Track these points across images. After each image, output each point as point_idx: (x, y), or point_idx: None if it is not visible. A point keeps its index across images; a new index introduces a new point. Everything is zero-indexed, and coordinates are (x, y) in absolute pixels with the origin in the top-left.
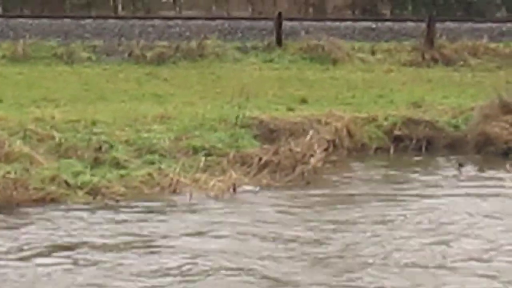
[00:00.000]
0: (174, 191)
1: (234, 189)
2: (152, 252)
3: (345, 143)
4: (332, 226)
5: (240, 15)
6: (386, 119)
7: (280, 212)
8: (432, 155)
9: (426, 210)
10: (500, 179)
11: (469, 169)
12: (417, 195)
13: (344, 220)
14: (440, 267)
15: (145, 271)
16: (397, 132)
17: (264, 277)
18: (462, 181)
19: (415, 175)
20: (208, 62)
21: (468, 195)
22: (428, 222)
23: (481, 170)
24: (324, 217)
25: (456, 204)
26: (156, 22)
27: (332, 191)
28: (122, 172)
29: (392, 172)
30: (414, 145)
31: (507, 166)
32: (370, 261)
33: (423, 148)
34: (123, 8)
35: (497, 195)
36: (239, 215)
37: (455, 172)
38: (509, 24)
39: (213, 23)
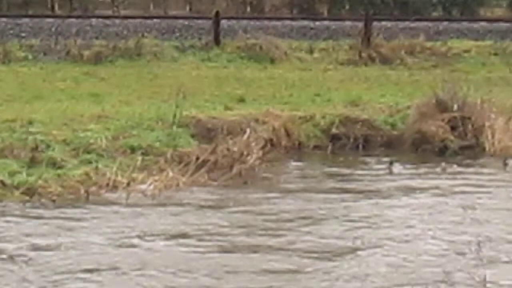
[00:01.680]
0: (111, 191)
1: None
2: None
3: (283, 142)
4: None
5: (178, 14)
6: (323, 117)
7: (211, 210)
8: (369, 154)
9: (359, 206)
10: (434, 177)
11: (405, 167)
12: (352, 193)
13: (275, 219)
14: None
15: None
16: (334, 131)
17: None
18: (395, 178)
19: (351, 173)
20: (146, 61)
21: (400, 191)
22: (358, 217)
23: (416, 168)
24: (253, 215)
25: (388, 200)
26: (94, 21)
27: (269, 189)
28: (59, 171)
29: (329, 170)
30: (352, 143)
31: (442, 164)
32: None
33: (360, 147)
34: (60, 7)
35: (428, 191)
36: (165, 215)
37: (389, 170)
38: (445, 23)
39: (150, 22)
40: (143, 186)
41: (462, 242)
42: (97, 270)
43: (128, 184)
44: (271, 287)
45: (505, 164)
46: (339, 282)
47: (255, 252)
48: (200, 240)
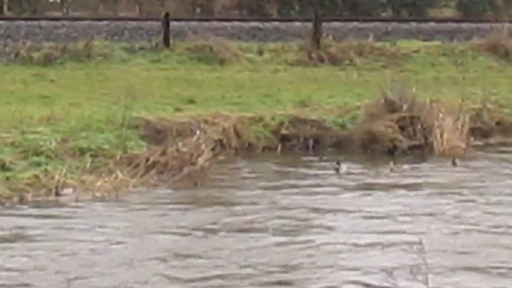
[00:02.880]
0: (59, 193)
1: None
2: None
3: (233, 143)
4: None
5: (127, 15)
6: (273, 118)
7: (159, 211)
8: (318, 154)
9: (306, 207)
10: (381, 176)
11: (353, 167)
12: (300, 193)
13: (224, 222)
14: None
15: None
16: (284, 131)
17: None
18: (343, 178)
19: (301, 174)
20: (96, 63)
21: (348, 191)
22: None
23: (364, 167)
24: (201, 217)
25: (336, 200)
26: (43, 23)
27: (218, 191)
28: (8, 174)
29: (278, 171)
30: (301, 144)
31: (391, 164)
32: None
33: (310, 147)
34: (9, 9)
35: (374, 191)
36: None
37: (338, 170)
38: (394, 24)
39: (100, 23)
40: (93, 188)
41: (405, 242)
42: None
43: (78, 186)
44: None
45: (454, 164)
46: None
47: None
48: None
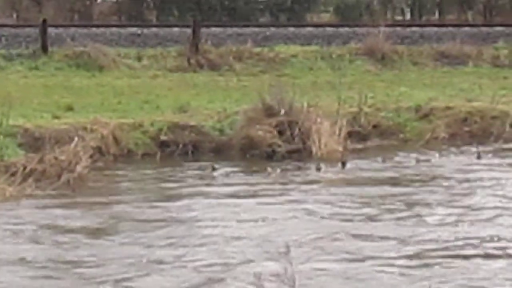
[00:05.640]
0: None
1: None
2: None
3: (112, 150)
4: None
5: (4, 22)
6: (152, 124)
7: (37, 217)
8: (198, 160)
9: (184, 211)
10: (257, 181)
11: (230, 172)
12: (178, 198)
13: (99, 228)
14: None
15: None
16: (163, 138)
17: None
18: (219, 183)
19: (178, 179)
20: None
21: (224, 196)
22: (187, 221)
23: (241, 172)
24: (77, 224)
25: (209, 204)
26: None
27: (96, 198)
28: None
29: (156, 177)
30: (180, 150)
31: (269, 169)
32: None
33: (189, 153)
34: None
35: (251, 195)
36: None
37: (215, 175)
38: (272, 29)
39: None
40: None
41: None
42: None
43: None
44: None
45: (319, 169)
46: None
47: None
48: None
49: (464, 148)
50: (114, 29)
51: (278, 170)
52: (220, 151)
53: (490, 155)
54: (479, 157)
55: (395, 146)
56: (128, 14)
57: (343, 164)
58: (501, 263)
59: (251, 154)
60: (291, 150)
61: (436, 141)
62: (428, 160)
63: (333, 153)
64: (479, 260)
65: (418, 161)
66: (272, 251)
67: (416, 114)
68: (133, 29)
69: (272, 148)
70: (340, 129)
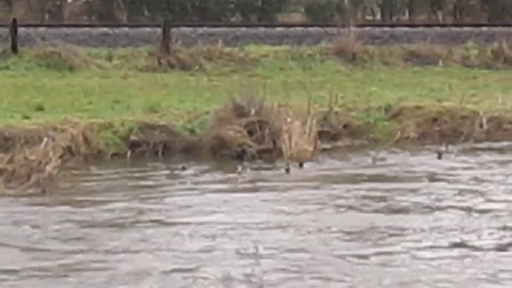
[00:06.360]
0: None
1: None
2: None
3: (82, 150)
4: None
5: None
6: (122, 124)
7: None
8: (168, 160)
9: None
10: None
11: (199, 172)
12: (147, 198)
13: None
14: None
15: None
16: (133, 138)
17: None
18: (188, 183)
19: (149, 179)
20: None
21: (193, 195)
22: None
23: (210, 172)
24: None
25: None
26: None
27: (66, 197)
28: None
29: (126, 177)
30: (151, 150)
31: (239, 168)
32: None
33: (160, 153)
34: None
35: (220, 194)
36: None
37: (185, 174)
38: (243, 29)
39: None
40: None
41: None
42: None
43: None
44: None
45: (288, 169)
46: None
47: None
48: None
49: (430, 147)
50: (84, 29)
51: (248, 170)
52: (190, 151)
53: (452, 155)
54: (439, 157)
55: (365, 145)
56: (99, 14)
57: (301, 165)
58: None
59: (222, 154)
60: (261, 150)
61: (406, 140)
62: (383, 159)
63: (304, 152)
64: None
65: (374, 160)
66: (241, 251)
67: (386, 114)
68: (104, 29)
69: (243, 148)
70: (310, 129)
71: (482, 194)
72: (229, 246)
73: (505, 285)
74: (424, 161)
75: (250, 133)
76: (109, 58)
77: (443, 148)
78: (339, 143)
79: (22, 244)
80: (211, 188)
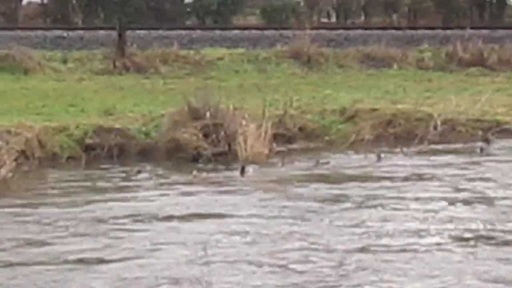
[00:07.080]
0: None
1: None
2: None
3: (36, 153)
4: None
5: None
6: (77, 128)
7: None
8: (123, 163)
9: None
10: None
11: (153, 175)
12: (101, 201)
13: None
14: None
15: None
16: (88, 141)
17: None
18: (143, 185)
19: (103, 182)
20: None
21: (147, 199)
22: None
23: (165, 176)
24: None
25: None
26: None
27: (22, 201)
28: None
29: (80, 180)
30: (106, 153)
31: (194, 172)
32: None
33: (115, 156)
34: None
35: (173, 197)
36: None
37: (139, 178)
38: (199, 32)
39: None
40: None
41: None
42: None
43: None
44: None
45: (243, 171)
46: None
47: None
48: None
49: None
50: (39, 32)
51: (204, 173)
52: (146, 154)
53: (394, 156)
54: (379, 159)
55: (320, 148)
56: (54, 17)
57: (242, 169)
58: None
59: (177, 157)
60: (216, 152)
61: (361, 143)
62: (327, 162)
63: (259, 155)
64: None
65: (317, 163)
66: (189, 254)
67: (341, 116)
68: (59, 32)
69: (198, 151)
70: (265, 132)
71: (410, 194)
72: (175, 250)
73: None
74: (364, 163)
75: (206, 136)
76: (64, 61)
77: (397, 149)
78: (294, 146)
79: None
80: (164, 190)
